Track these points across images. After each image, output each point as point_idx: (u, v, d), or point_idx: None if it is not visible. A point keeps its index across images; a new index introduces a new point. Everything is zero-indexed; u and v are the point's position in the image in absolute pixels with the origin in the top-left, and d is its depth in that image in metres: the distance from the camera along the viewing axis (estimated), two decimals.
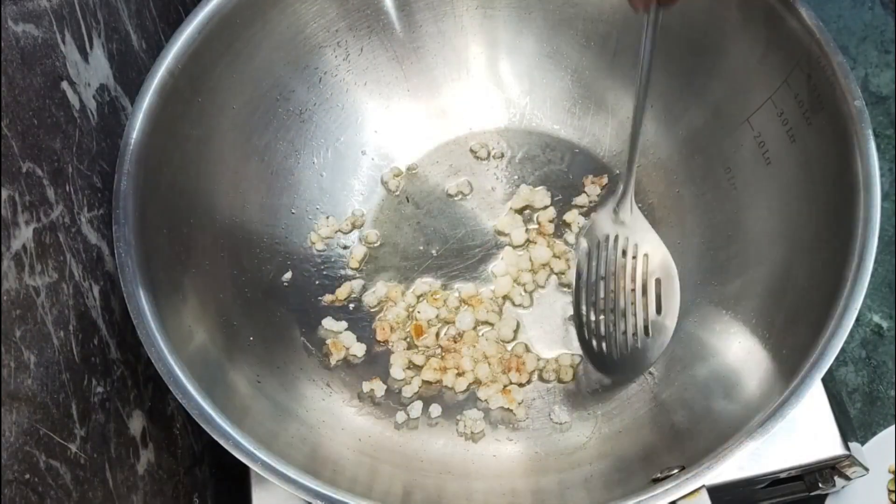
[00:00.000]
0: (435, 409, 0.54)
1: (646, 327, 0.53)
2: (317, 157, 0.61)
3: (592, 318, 0.54)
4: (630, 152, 0.52)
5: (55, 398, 0.37)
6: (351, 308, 0.58)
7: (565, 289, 0.58)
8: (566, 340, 0.57)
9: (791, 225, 0.51)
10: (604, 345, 0.53)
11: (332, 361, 0.55)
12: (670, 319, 0.53)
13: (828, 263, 0.46)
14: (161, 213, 0.49)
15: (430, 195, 0.62)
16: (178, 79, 0.50)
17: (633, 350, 0.53)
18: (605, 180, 0.61)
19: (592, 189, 0.61)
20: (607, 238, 0.55)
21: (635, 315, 0.53)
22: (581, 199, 0.61)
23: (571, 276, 0.57)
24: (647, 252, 0.54)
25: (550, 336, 0.57)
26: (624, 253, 0.54)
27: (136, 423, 0.45)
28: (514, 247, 0.60)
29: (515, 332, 0.57)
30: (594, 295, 0.54)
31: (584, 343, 0.55)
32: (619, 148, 0.62)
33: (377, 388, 0.54)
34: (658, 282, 0.53)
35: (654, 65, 0.59)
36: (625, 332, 0.53)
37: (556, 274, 0.59)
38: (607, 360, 0.54)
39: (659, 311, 0.53)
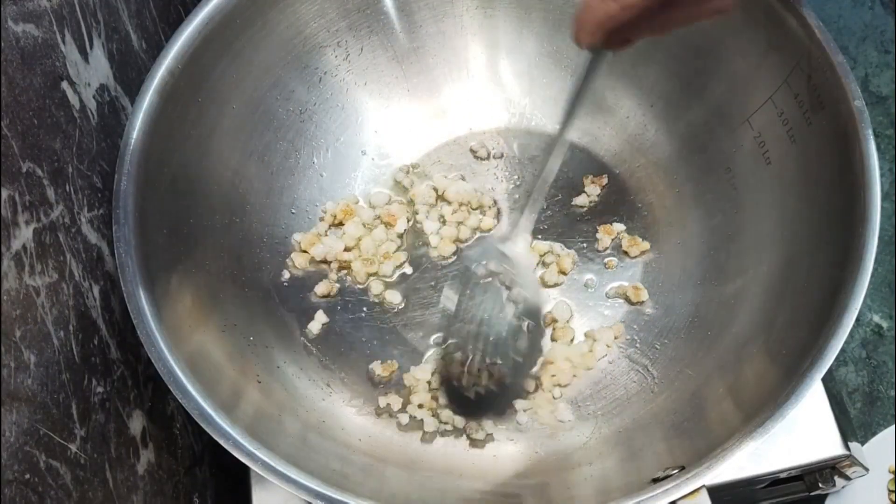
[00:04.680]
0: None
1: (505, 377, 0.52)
2: (317, 157, 0.61)
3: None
4: (538, 187, 0.51)
5: (55, 398, 0.37)
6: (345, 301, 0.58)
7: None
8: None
9: (791, 225, 0.51)
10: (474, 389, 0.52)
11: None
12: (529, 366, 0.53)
13: (828, 263, 0.46)
14: (161, 213, 0.49)
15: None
16: (178, 79, 0.50)
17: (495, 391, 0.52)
18: (604, 180, 0.61)
19: (592, 189, 0.61)
20: (489, 274, 0.52)
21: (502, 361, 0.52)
22: (581, 199, 0.61)
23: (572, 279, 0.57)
24: (525, 297, 0.52)
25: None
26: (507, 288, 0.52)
27: (136, 423, 0.45)
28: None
29: None
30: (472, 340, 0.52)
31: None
32: (619, 147, 0.62)
33: (394, 402, 0.54)
34: (528, 328, 0.52)
35: (653, 66, 0.59)
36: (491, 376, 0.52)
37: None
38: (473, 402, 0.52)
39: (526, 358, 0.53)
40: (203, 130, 0.53)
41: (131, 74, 0.51)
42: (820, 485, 0.50)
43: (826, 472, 0.49)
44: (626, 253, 0.59)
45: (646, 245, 0.58)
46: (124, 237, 0.45)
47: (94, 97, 0.46)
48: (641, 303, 0.57)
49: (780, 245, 0.51)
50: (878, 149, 0.46)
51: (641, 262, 0.58)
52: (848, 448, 0.48)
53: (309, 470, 0.42)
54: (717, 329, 0.53)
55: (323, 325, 0.56)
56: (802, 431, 0.48)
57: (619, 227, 0.59)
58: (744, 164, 0.55)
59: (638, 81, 0.61)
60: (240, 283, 0.54)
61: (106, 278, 0.45)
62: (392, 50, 0.62)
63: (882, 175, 0.47)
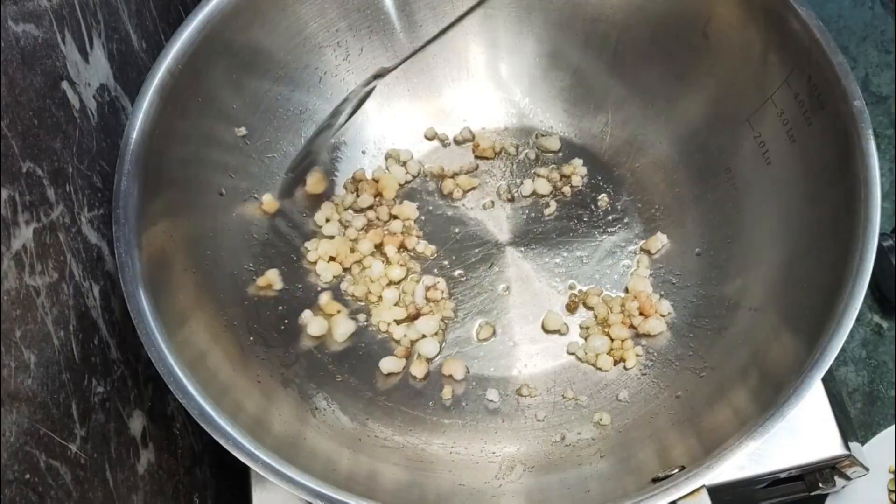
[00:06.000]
0: (447, 392, 0.55)
1: None
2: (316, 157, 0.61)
3: None
4: None
5: (55, 398, 0.37)
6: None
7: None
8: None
9: (791, 225, 0.51)
10: None
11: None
12: None
13: (828, 263, 0.46)
14: (161, 213, 0.49)
15: (430, 195, 0.62)
16: (178, 79, 0.50)
17: None
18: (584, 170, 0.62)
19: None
20: None
21: None
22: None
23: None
24: None
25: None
26: None
27: (137, 423, 0.45)
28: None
29: None
30: None
31: None
32: (619, 147, 0.62)
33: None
34: None
35: (653, 66, 0.59)
36: None
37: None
38: None
39: None
40: (203, 130, 0.53)
41: (131, 74, 0.51)
42: (820, 485, 0.50)
43: (826, 472, 0.49)
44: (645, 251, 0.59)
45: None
46: (124, 237, 0.45)
47: (94, 97, 0.46)
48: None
49: (780, 245, 0.51)
50: (878, 149, 0.46)
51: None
52: (848, 448, 0.48)
53: (309, 470, 0.42)
54: (716, 329, 0.53)
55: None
56: (802, 431, 0.48)
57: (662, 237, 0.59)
58: (744, 164, 0.55)
59: (638, 81, 0.61)
60: (240, 284, 0.54)
61: (106, 278, 0.45)
62: (392, 50, 0.62)
63: (882, 175, 0.47)
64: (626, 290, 0.58)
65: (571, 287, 0.58)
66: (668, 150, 0.60)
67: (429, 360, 0.56)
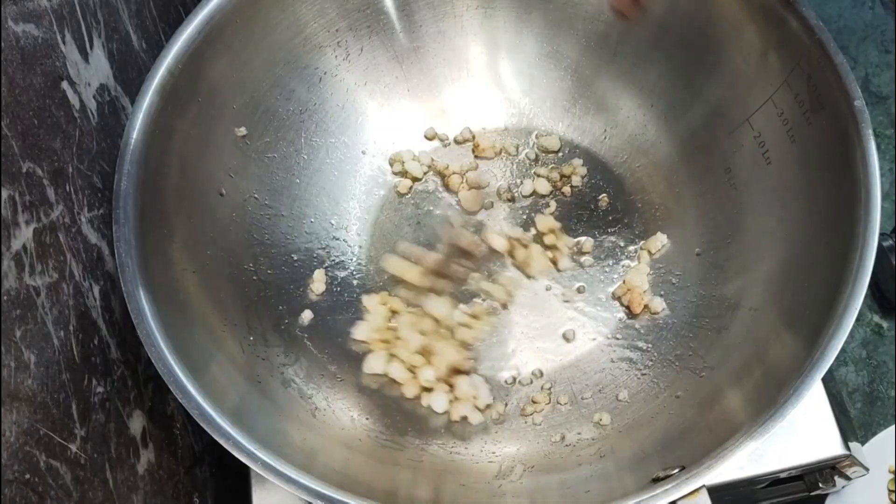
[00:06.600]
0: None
1: None
2: (316, 157, 0.61)
3: None
4: None
5: (55, 398, 0.37)
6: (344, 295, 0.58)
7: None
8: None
9: (791, 225, 0.51)
10: None
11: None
12: None
13: (828, 263, 0.46)
14: (161, 213, 0.49)
15: (430, 195, 0.62)
16: (178, 79, 0.50)
17: None
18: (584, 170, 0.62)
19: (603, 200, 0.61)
20: None
21: None
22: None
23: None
24: None
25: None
26: None
27: (137, 423, 0.45)
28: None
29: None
30: None
31: None
32: (619, 147, 0.62)
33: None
34: None
35: (653, 66, 0.60)
36: None
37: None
38: None
39: None
40: (203, 130, 0.53)
41: (131, 74, 0.51)
42: (820, 485, 0.50)
43: (826, 472, 0.49)
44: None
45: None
46: (124, 237, 0.45)
47: (94, 97, 0.46)
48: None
49: (780, 245, 0.51)
50: (878, 149, 0.46)
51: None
52: (848, 448, 0.48)
53: (309, 470, 0.42)
54: (716, 329, 0.53)
55: (316, 322, 0.56)
56: (802, 431, 0.48)
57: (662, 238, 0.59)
58: (744, 164, 0.55)
59: (638, 81, 0.61)
60: (239, 283, 0.54)
61: (106, 278, 0.45)
62: (392, 50, 0.62)
63: (882, 175, 0.47)
64: (624, 282, 0.58)
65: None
66: (668, 150, 0.60)
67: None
